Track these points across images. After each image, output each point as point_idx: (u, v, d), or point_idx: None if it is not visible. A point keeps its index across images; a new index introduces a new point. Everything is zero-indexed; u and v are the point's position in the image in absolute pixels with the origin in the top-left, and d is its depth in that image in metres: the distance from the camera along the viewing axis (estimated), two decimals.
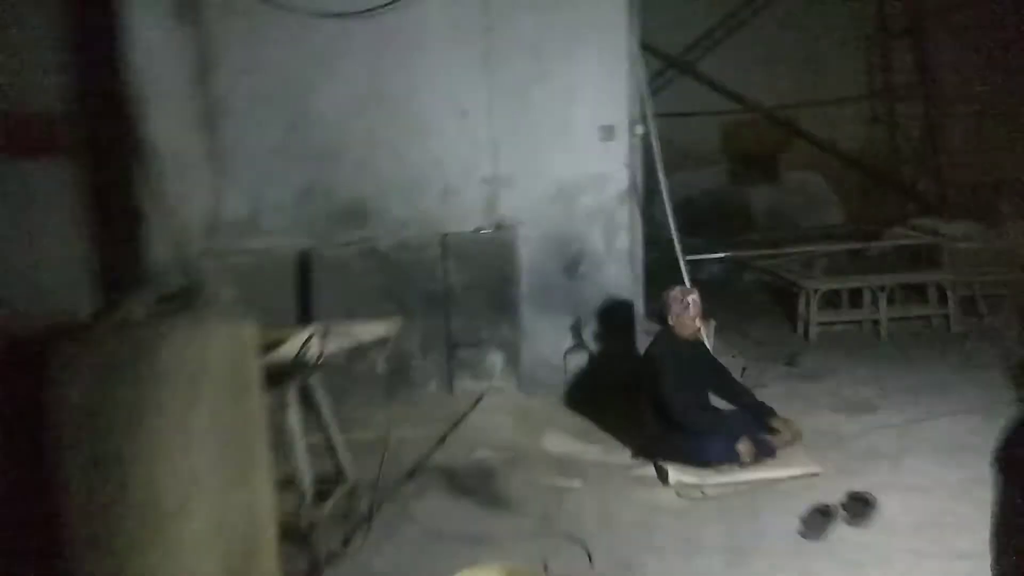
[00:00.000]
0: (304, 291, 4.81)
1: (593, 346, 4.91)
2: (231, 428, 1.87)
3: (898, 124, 9.42)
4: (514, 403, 4.59)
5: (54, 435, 1.44)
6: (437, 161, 4.91)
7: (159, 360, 1.59)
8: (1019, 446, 1.52)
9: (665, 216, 5.13)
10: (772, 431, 3.89)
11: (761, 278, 7.43)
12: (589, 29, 4.85)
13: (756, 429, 3.87)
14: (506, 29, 4.80)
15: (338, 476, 3.42)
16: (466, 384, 4.78)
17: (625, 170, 4.90)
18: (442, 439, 4.04)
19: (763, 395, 4.20)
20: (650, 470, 3.81)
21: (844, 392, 4.87)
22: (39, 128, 1.40)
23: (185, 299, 1.85)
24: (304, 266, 4.81)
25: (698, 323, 3.95)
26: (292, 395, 2.96)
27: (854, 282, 6.31)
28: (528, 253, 4.89)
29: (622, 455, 4.01)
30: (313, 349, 2.81)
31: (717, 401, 4.05)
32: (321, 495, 3.27)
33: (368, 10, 4.75)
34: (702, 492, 3.61)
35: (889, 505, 3.31)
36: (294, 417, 2.98)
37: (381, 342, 3.09)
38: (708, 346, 4.22)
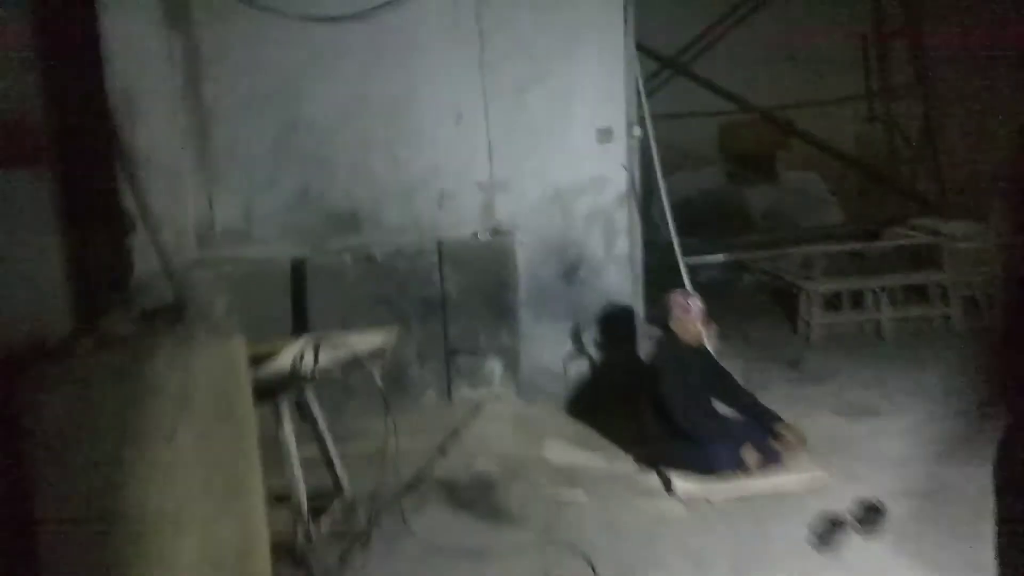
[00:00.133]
0: (298, 300, 4.74)
1: (593, 352, 4.84)
2: (221, 446, 1.80)
3: (896, 123, 9.37)
4: (514, 411, 4.51)
5: (30, 460, 1.36)
6: (433, 166, 4.84)
7: (142, 379, 1.52)
8: (1014, 459, 1.48)
9: (664, 218, 5.07)
10: (777, 437, 3.82)
11: (761, 279, 7.37)
12: (586, 30, 4.79)
13: (761, 435, 3.80)
14: (502, 31, 4.74)
15: (335, 490, 3.34)
16: (465, 392, 4.70)
17: (623, 172, 4.83)
18: (441, 450, 3.96)
19: (764, 398, 4.13)
20: (654, 479, 3.74)
21: (847, 395, 4.81)
22: (14, 136, 1.32)
23: (171, 314, 1.77)
24: (298, 274, 4.73)
25: (701, 327, 3.88)
26: (285, 409, 2.88)
27: (855, 283, 6.26)
28: (526, 258, 4.82)
29: (625, 463, 3.94)
30: (307, 362, 2.73)
31: (721, 407, 3.98)
32: (317, 510, 3.19)
33: (361, 13, 4.69)
34: (707, 501, 3.54)
35: (899, 512, 3.24)
36: (288, 431, 2.90)
37: (377, 353, 3.01)
38: (711, 350, 4.14)
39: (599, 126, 4.78)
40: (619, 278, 4.83)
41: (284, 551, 2.89)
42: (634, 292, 4.92)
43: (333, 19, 4.70)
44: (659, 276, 5.12)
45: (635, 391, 4.01)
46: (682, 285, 4.51)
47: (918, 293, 6.30)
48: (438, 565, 3.06)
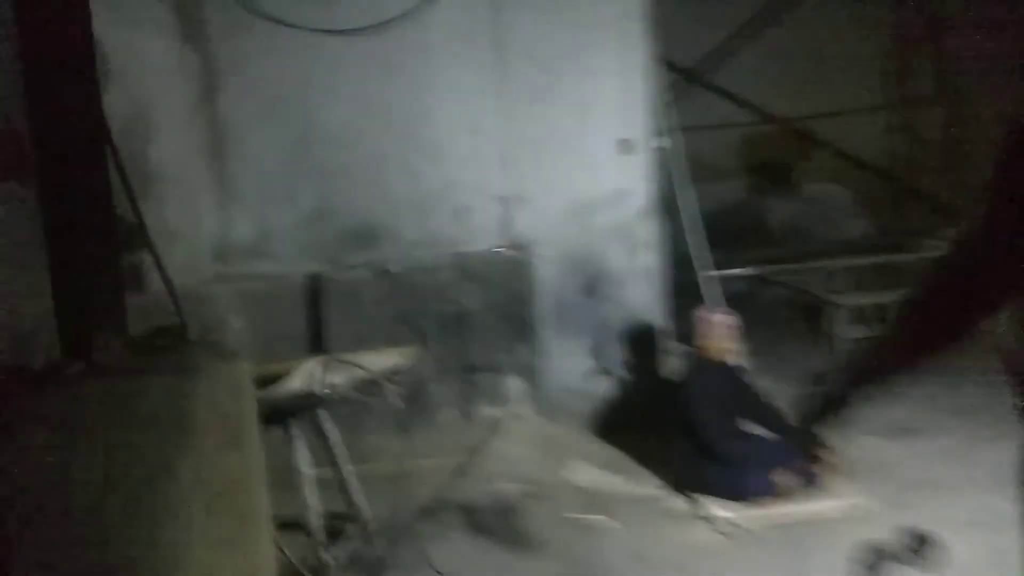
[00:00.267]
0: (315, 316, 4.64)
1: (617, 369, 4.68)
2: (225, 476, 1.66)
3: (920, 133, 9.17)
4: (535, 430, 4.36)
5: (6, 504, 1.23)
6: (449, 179, 4.74)
7: (137, 409, 1.39)
8: None
9: (686, 232, 4.93)
10: (813, 459, 3.63)
11: (784, 293, 7.18)
12: (604, 40, 4.67)
13: (796, 458, 3.62)
14: (517, 42, 4.64)
15: (351, 514, 3.20)
16: (484, 410, 4.56)
17: (646, 185, 4.69)
18: (460, 471, 3.81)
19: (794, 417, 3.94)
20: (684, 503, 3.56)
21: (882, 413, 4.57)
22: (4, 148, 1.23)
23: (171, 336, 1.66)
24: (314, 291, 4.64)
25: (731, 345, 3.71)
26: (298, 431, 2.75)
27: (883, 296, 6.05)
28: (546, 273, 4.68)
29: (653, 487, 3.76)
30: (321, 382, 2.60)
31: (753, 428, 3.80)
32: (332, 534, 3.06)
33: (376, 25, 4.61)
34: (741, 528, 3.36)
35: (949, 543, 3.03)
36: (301, 454, 2.77)
37: (395, 373, 2.88)
38: (742, 368, 3.97)
39: (619, 137, 4.65)
40: (643, 293, 4.68)
41: None
42: (659, 307, 4.76)
43: (347, 32, 4.63)
44: (684, 291, 4.96)
45: (662, 410, 3.85)
46: (709, 300, 4.34)
47: None
48: None
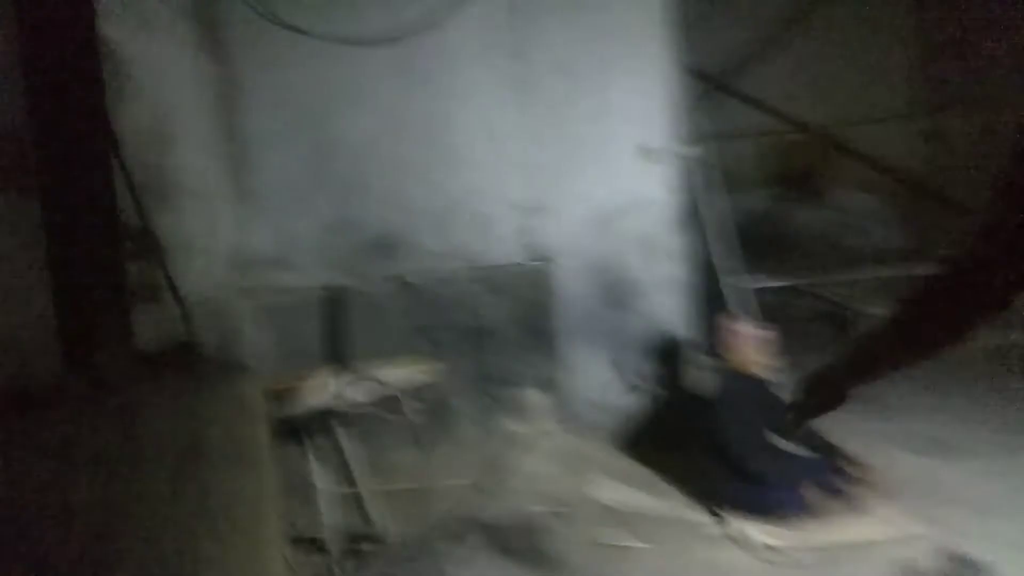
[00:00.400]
0: (334, 328, 4.58)
1: (643, 383, 4.55)
2: (234, 495, 1.58)
3: (952, 141, 8.94)
4: (559, 446, 4.24)
5: (5, 526, 1.15)
6: (469, 189, 4.66)
7: (142, 427, 1.31)
8: None
9: (714, 242, 4.80)
10: (848, 477, 3.48)
11: (813, 305, 7.00)
12: (628, 46, 4.58)
13: (829, 475, 3.47)
14: (539, 49, 4.56)
15: (368, 532, 3.11)
16: (506, 425, 4.45)
17: (672, 193, 4.57)
18: (481, 488, 3.70)
19: (827, 433, 3.79)
20: (715, 524, 3.42)
21: (920, 429, 4.42)
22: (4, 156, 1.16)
23: (180, 351, 1.58)
24: (333, 302, 4.58)
25: (761, 357, 3.57)
26: (315, 447, 2.67)
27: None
28: (568, 284, 4.58)
29: (680, 505, 3.62)
30: (338, 397, 2.52)
31: (785, 444, 3.65)
32: (350, 552, 2.97)
33: (395, 34, 4.56)
34: (774, 549, 3.21)
35: (995, 567, 2.87)
36: (318, 470, 2.68)
37: (414, 388, 2.79)
38: (773, 382, 3.82)
39: (643, 145, 4.54)
40: (669, 304, 4.55)
41: None
42: (686, 319, 4.63)
43: (367, 42, 4.58)
44: (712, 302, 4.83)
45: (689, 425, 3.71)
46: (739, 313, 4.20)
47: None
48: None
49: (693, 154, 4.82)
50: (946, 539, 3.08)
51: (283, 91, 4.74)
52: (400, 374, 2.77)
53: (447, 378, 4.31)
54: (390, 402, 2.68)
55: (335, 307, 4.54)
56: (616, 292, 4.60)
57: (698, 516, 3.53)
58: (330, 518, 2.76)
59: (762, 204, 8.80)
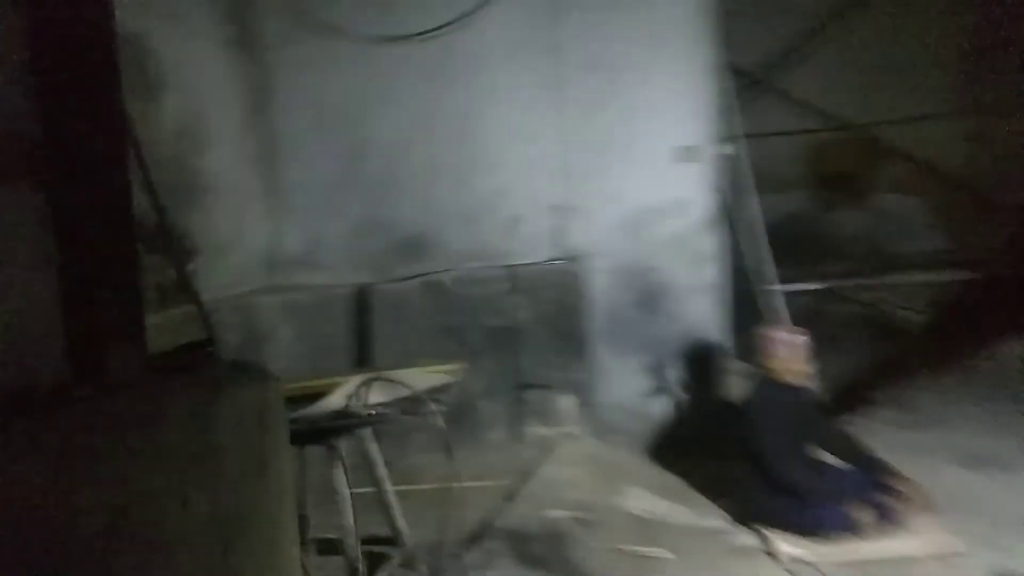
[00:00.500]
0: (362, 329, 4.56)
1: (677, 389, 4.44)
2: (250, 507, 1.52)
3: (995, 141, 8.62)
4: (589, 452, 4.16)
5: (3, 538, 1.11)
6: (501, 189, 4.60)
7: (151, 434, 1.26)
8: None
9: (748, 244, 4.67)
10: (893, 493, 3.34)
11: (852, 310, 6.80)
12: (665, 43, 4.46)
13: (873, 490, 3.33)
14: (575, 46, 4.47)
15: (392, 538, 3.05)
16: (536, 430, 4.39)
17: (709, 194, 4.45)
18: (509, 495, 3.63)
19: (870, 444, 3.64)
20: (749, 537, 3.30)
21: (967, 442, 4.24)
22: (5, 149, 1.13)
23: (195, 353, 1.54)
24: (362, 302, 4.56)
25: (799, 366, 3.44)
26: (338, 451, 2.62)
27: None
28: (602, 286, 4.49)
29: (715, 518, 3.51)
30: (363, 401, 2.47)
31: (825, 457, 3.52)
32: (373, 559, 2.92)
33: (429, 31, 4.51)
34: (811, 566, 3.08)
35: None
36: (340, 475, 2.63)
37: (442, 391, 2.73)
38: (811, 391, 3.69)
39: (682, 144, 4.43)
40: (705, 308, 4.43)
41: None
42: (720, 324, 4.51)
43: (400, 39, 4.55)
44: (746, 306, 4.70)
45: (726, 435, 3.60)
46: (776, 318, 4.07)
47: None
48: None
49: (729, 153, 4.70)
50: (997, 559, 2.92)
51: (317, 91, 4.73)
52: (425, 378, 2.71)
53: (474, 380, 4.26)
54: (413, 404, 2.62)
55: (363, 307, 4.52)
56: (648, 295, 4.50)
57: (727, 527, 3.42)
58: (351, 524, 2.71)
59: (799, 205, 8.60)
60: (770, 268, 4.54)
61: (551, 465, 3.94)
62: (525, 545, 3.19)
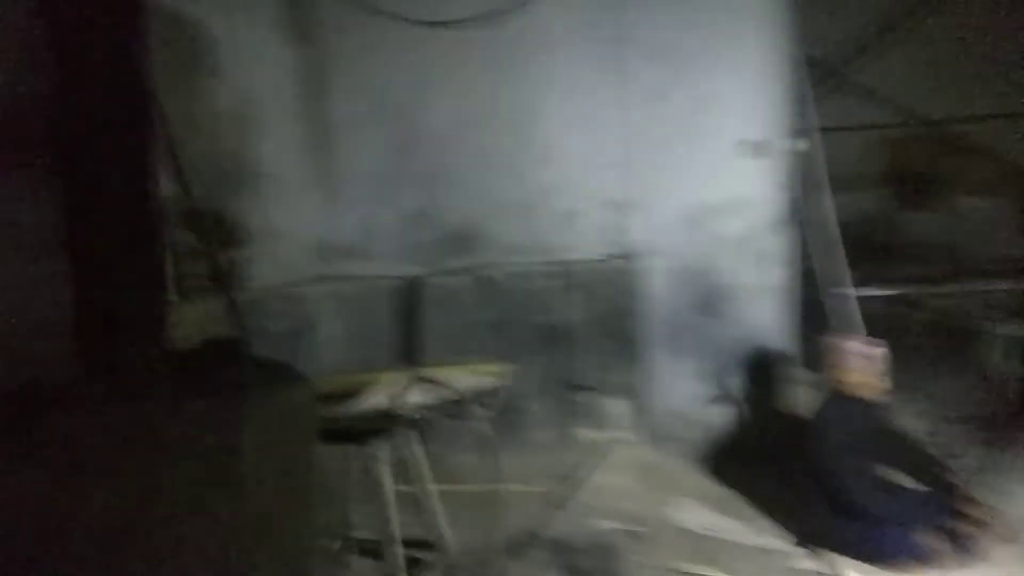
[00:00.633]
0: (410, 322, 4.46)
1: (737, 397, 4.21)
2: (274, 515, 1.41)
3: None
4: (641, 460, 3.98)
5: (8, 546, 1.02)
6: (558, 181, 4.43)
7: (164, 439, 1.15)
8: None
9: (819, 246, 4.40)
10: (973, 522, 3.07)
11: (927, 318, 6.41)
12: (734, 30, 4.21)
13: (950, 517, 3.07)
14: (640, 33, 4.26)
15: (432, 542, 2.94)
16: (586, 434, 4.22)
17: (778, 192, 4.20)
18: (556, 502, 3.48)
19: (952, 466, 3.36)
20: (814, 563, 3.07)
21: None
22: (15, 136, 1.04)
23: (221, 352, 1.44)
24: (411, 295, 4.46)
25: (873, 379, 3.18)
26: (380, 451, 2.52)
27: None
28: (660, 286, 4.29)
29: (775, 538, 3.28)
30: (406, 402, 2.36)
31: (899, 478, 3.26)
32: (412, 562, 2.81)
33: (487, 16, 4.37)
34: None
35: None
36: (380, 476, 2.53)
37: (488, 394, 2.59)
38: (883, 406, 3.42)
39: (752, 138, 4.18)
40: (770, 313, 4.18)
41: None
42: (785, 330, 4.25)
43: (457, 23, 4.41)
44: (811, 311, 4.43)
45: (789, 449, 3.37)
46: (840, 323, 3.81)
47: None
48: None
49: (799, 149, 4.44)
50: None
51: (373, 78, 4.64)
52: (470, 379, 2.58)
53: (521, 380, 4.12)
54: (455, 406, 2.50)
55: (411, 300, 4.43)
56: (708, 297, 4.28)
57: (788, 549, 3.19)
58: (390, 527, 2.60)
59: (873, 205, 8.19)
60: (839, 271, 4.26)
61: (601, 472, 3.77)
62: (572, 558, 3.04)
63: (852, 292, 4.47)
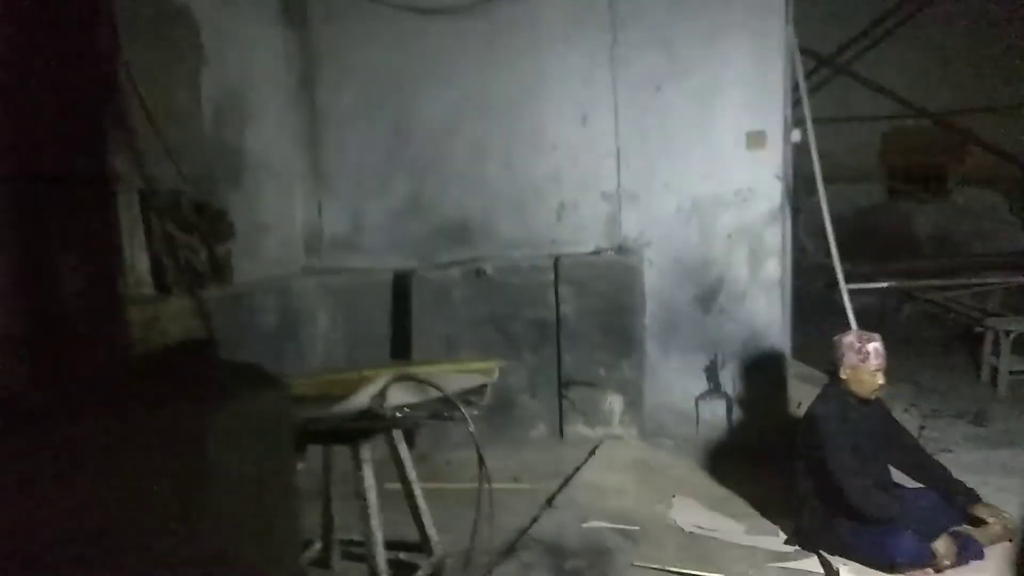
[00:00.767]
0: (401, 315, 4.38)
1: (733, 393, 4.14)
2: (248, 528, 1.33)
3: None
4: (636, 457, 3.90)
5: None
6: (553, 173, 4.35)
7: (127, 451, 1.07)
8: None
9: (810, 237, 4.32)
10: (975, 522, 3.01)
11: (929, 312, 6.35)
12: (735, 19, 4.12)
13: (953, 519, 3.01)
14: (638, 20, 4.17)
15: (421, 545, 2.86)
16: (579, 429, 4.16)
17: (775, 184, 4.11)
18: (549, 500, 3.40)
19: (945, 463, 3.29)
20: (813, 565, 3.00)
21: None
22: None
23: (188, 354, 1.35)
24: (402, 288, 4.38)
25: (877, 376, 3.10)
26: (365, 454, 2.44)
27: None
28: (655, 280, 4.21)
29: (773, 539, 3.21)
30: (389, 402, 2.27)
31: (897, 478, 3.19)
32: (399, 567, 2.74)
33: (480, 3, 4.27)
34: None
35: None
36: (366, 480, 2.45)
37: (476, 393, 2.51)
38: (888, 406, 3.34)
39: (748, 130, 4.09)
40: (767, 307, 4.11)
41: None
42: (785, 324, 4.18)
43: (449, 11, 4.32)
44: (806, 304, 4.36)
45: (787, 447, 3.30)
46: (849, 321, 3.73)
47: None
48: None
49: (798, 141, 4.35)
50: None
51: (364, 67, 4.55)
52: (459, 378, 2.50)
53: (515, 374, 4.04)
54: (444, 406, 2.42)
55: (403, 293, 4.35)
56: (705, 290, 4.20)
57: (787, 550, 3.12)
58: (377, 532, 2.52)
59: (871, 198, 8.12)
60: (841, 265, 4.18)
61: (594, 469, 3.69)
62: (563, 559, 2.96)
63: (849, 286, 4.39)
